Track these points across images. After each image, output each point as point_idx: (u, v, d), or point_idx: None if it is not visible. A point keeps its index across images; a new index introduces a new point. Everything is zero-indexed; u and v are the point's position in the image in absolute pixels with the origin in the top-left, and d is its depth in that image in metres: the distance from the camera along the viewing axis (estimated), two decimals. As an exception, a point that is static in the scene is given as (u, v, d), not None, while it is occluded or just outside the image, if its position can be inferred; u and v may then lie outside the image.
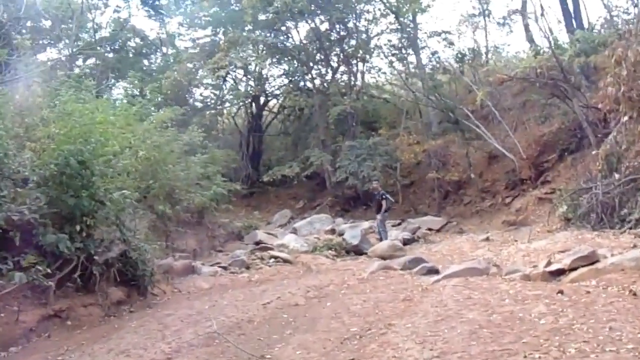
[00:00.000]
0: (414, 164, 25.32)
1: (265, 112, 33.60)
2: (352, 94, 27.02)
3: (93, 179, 9.57)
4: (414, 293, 9.31)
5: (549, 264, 9.93)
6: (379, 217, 17.28)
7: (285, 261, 13.71)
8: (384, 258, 14.27)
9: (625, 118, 11.67)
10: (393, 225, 20.47)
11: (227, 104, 33.08)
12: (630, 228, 11.76)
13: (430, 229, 20.06)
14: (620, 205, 12.51)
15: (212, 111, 30.25)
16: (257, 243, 16.13)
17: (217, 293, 10.88)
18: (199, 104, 31.61)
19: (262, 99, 32.63)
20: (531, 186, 19.74)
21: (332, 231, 18.79)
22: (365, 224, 19.11)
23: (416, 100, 26.11)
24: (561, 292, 7.80)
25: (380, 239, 16.81)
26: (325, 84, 28.58)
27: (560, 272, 9.35)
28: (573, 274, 9.12)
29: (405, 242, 17.34)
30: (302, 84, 30.25)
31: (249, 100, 32.03)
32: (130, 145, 13.04)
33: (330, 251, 15.34)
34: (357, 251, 15.77)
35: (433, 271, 11.39)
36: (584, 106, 17.33)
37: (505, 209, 20.31)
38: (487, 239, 15.77)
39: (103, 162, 10.08)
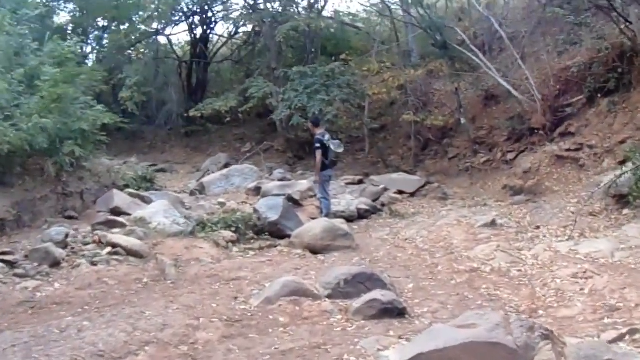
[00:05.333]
0: (386, 103, 19.56)
1: (215, 38, 27.96)
2: (311, 12, 21.27)
3: None
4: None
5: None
6: (317, 176, 11.16)
7: (130, 254, 7.65)
8: (314, 251, 8.51)
9: None
10: (350, 184, 14.73)
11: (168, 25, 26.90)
12: None
13: (401, 192, 14.28)
14: None
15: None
16: (113, 212, 9.96)
17: None
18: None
19: (209, 21, 26.69)
20: (546, 139, 13.89)
21: (257, 191, 12.86)
22: (304, 183, 13.12)
23: (392, 17, 20.07)
24: None
25: (321, 211, 10.94)
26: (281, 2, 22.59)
27: None
28: None
29: (361, 215, 11.69)
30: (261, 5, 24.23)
31: (193, 17, 26.09)
32: None
33: (228, 232, 9.07)
34: (275, 232, 9.56)
35: (393, 314, 5.66)
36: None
37: (506, 169, 14.56)
38: (493, 222, 9.82)
39: None
